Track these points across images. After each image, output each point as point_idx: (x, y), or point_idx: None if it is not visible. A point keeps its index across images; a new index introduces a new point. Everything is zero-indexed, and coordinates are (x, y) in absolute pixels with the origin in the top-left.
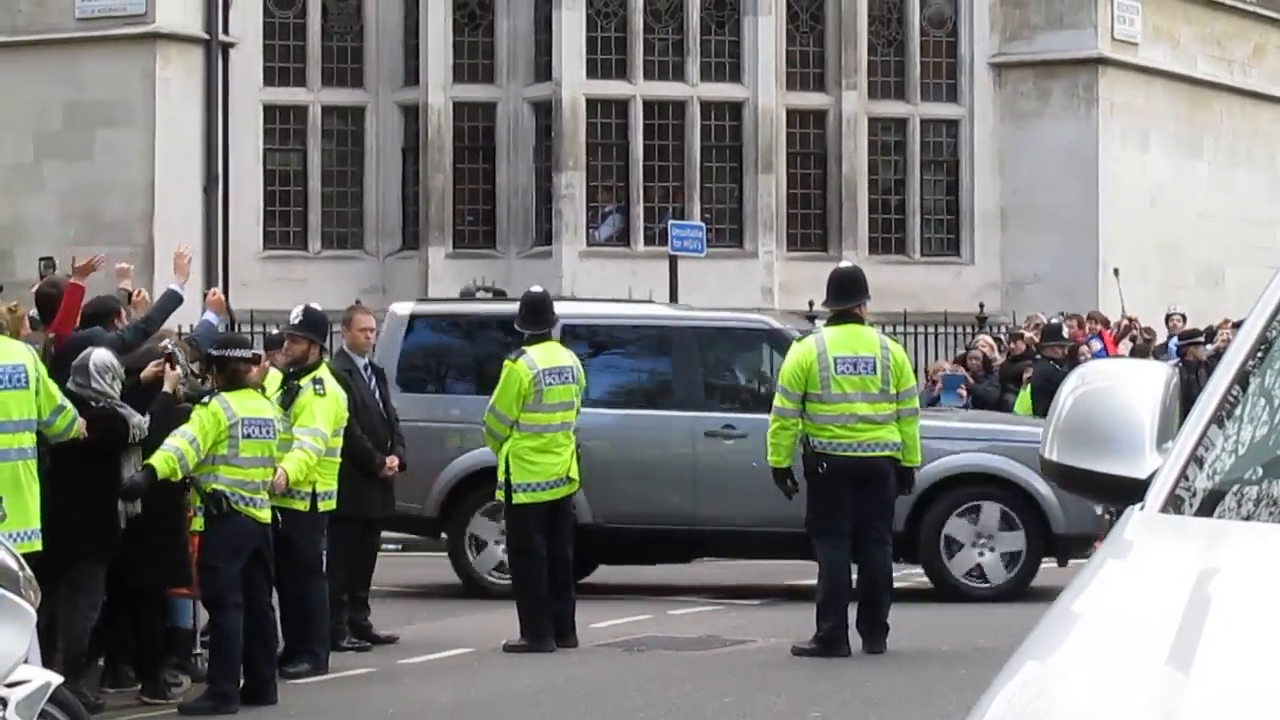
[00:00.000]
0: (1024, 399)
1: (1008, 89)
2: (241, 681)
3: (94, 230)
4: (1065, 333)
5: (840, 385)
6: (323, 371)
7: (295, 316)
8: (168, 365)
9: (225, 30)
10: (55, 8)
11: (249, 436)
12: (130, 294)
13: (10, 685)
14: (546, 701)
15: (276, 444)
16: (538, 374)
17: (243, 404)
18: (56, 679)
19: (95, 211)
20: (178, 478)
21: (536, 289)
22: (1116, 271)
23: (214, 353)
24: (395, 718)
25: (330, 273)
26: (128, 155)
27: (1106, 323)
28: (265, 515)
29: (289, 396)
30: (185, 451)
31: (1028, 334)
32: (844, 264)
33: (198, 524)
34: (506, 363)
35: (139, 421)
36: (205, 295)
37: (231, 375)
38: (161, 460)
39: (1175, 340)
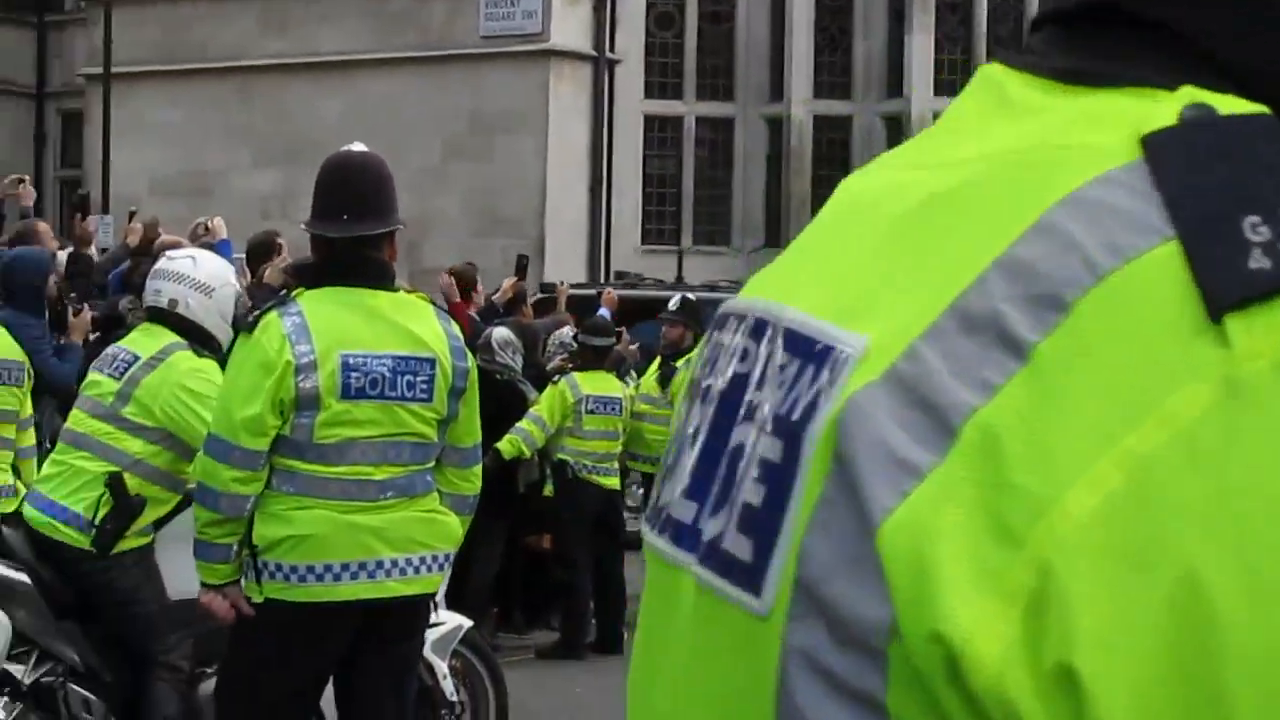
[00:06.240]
0: None
1: None
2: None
3: (492, 224)
4: None
5: None
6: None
7: (673, 304)
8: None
9: (612, 48)
10: (462, 27)
11: (593, 412)
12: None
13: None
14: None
15: (622, 420)
16: None
17: (591, 383)
18: (468, 623)
19: (493, 208)
20: (527, 456)
21: None
22: None
23: (578, 339)
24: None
25: (700, 265)
26: (523, 158)
27: None
28: (610, 482)
29: (665, 377)
30: (532, 433)
31: None
32: None
33: (547, 489)
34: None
35: (535, 398)
36: (599, 295)
37: (586, 358)
38: (506, 443)
39: None
